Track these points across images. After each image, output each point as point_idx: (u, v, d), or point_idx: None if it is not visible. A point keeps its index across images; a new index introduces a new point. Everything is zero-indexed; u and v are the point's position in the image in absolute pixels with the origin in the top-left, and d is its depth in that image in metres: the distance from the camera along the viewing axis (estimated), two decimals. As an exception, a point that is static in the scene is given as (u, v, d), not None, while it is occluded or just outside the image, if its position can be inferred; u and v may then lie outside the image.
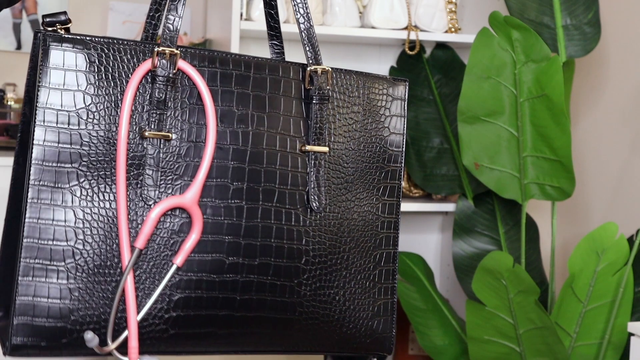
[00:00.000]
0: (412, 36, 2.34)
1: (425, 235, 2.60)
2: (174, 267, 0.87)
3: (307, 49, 0.97)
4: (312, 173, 0.96)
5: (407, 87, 1.05)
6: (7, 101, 2.22)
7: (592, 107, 2.32)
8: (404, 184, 2.42)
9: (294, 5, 0.98)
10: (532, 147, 1.99)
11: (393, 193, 1.03)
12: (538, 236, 2.21)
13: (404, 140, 1.04)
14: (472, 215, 2.26)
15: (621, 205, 2.19)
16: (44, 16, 0.86)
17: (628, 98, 2.17)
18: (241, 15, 2.19)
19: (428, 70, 2.42)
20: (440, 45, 2.45)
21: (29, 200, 0.83)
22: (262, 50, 2.38)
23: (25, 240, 0.83)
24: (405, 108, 1.04)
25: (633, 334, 1.45)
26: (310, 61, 0.97)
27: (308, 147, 0.96)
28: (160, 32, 0.93)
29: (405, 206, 2.32)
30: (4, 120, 2.17)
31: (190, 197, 0.88)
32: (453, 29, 2.41)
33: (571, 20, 2.03)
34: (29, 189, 0.83)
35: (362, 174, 1.01)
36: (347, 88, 1.00)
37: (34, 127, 0.84)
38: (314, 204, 0.96)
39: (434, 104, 2.40)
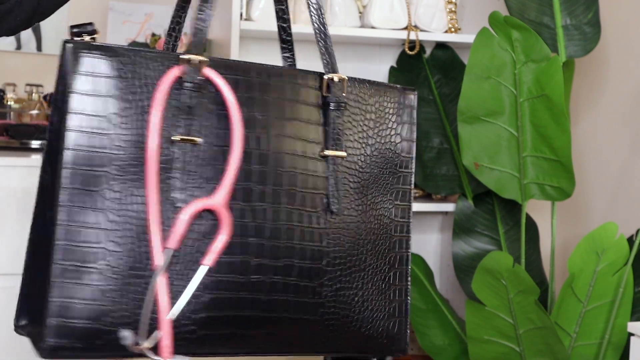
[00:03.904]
0: (412, 36, 2.34)
1: (425, 235, 2.60)
2: (204, 268, 0.89)
3: (324, 57, 1.02)
4: (331, 177, 0.99)
5: (416, 96, 1.08)
6: (7, 101, 2.22)
7: (592, 107, 2.32)
8: (404, 184, 2.42)
9: (311, 15, 1.02)
10: (532, 147, 1.99)
11: (405, 197, 1.07)
12: (538, 236, 2.21)
13: (415, 147, 1.08)
14: (472, 215, 2.26)
15: (621, 205, 2.19)
16: (72, 26, 0.89)
17: (628, 98, 2.17)
18: (241, 15, 2.19)
19: (428, 70, 2.42)
20: (440, 45, 2.45)
21: (61, 204, 0.84)
22: (262, 50, 2.38)
23: (58, 242, 0.84)
24: (415, 116, 1.08)
25: (633, 334, 1.45)
26: (327, 69, 1.01)
27: (327, 152, 0.99)
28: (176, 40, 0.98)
29: (405, 206, 2.32)
30: (4, 120, 2.17)
31: (219, 199, 0.90)
32: (453, 29, 2.41)
33: (571, 20, 2.03)
34: (61, 193, 0.85)
35: (376, 179, 1.04)
36: (360, 96, 1.03)
37: (65, 132, 0.85)
38: (334, 207, 0.99)
39: (434, 104, 2.40)
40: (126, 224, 0.87)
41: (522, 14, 2.03)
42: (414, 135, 1.08)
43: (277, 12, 1.09)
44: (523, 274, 1.84)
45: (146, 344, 0.85)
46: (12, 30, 1.19)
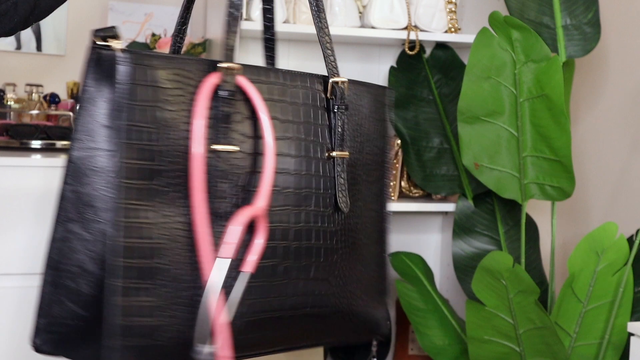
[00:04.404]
0: (412, 36, 2.34)
1: (425, 235, 2.60)
2: (245, 275, 0.89)
3: (328, 60, 1.05)
4: (337, 177, 1.02)
5: (392, 95, 1.13)
6: (7, 101, 2.22)
7: (592, 107, 2.32)
8: (403, 184, 2.42)
9: (316, 21, 1.05)
10: (532, 147, 1.99)
11: (386, 190, 1.12)
12: (538, 236, 2.21)
13: (391, 141, 1.13)
14: (472, 215, 2.26)
15: (621, 205, 2.19)
16: (95, 30, 0.86)
17: (628, 98, 2.17)
18: (241, 15, 2.19)
19: (428, 70, 2.42)
20: (440, 45, 2.45)
21: (115, 220, 0.82)
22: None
23: (116, 260, 0.82)
24: (391, 113, 1.13)
25: (633, 334, 1.45)
26: (330, 72, 1.04)
27: (334, 153, 1.02)
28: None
29: (405, 206, 2.32)
30: (4, 120, 2.17)
31: (262, 206, 0.90)
32: (453, 29, 2.41)
33: (571, 20, 2.03)
34: (114, 209, 0.82)
35: (367, 176, 1.08)
36: (354, 97, 1.07)
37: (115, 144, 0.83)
38: (342, 206, 1.02)
39: (433, 104, 2.40)
40: (177, 236, 0.85)
41: (522, 14, 2.03)
42: (392, 132, 1.13)
43: (263, 12, 1.12)
44: (523, 274, 1.84)
45: (206, 355, 0.84)
46: (10, 31, 1.18)
